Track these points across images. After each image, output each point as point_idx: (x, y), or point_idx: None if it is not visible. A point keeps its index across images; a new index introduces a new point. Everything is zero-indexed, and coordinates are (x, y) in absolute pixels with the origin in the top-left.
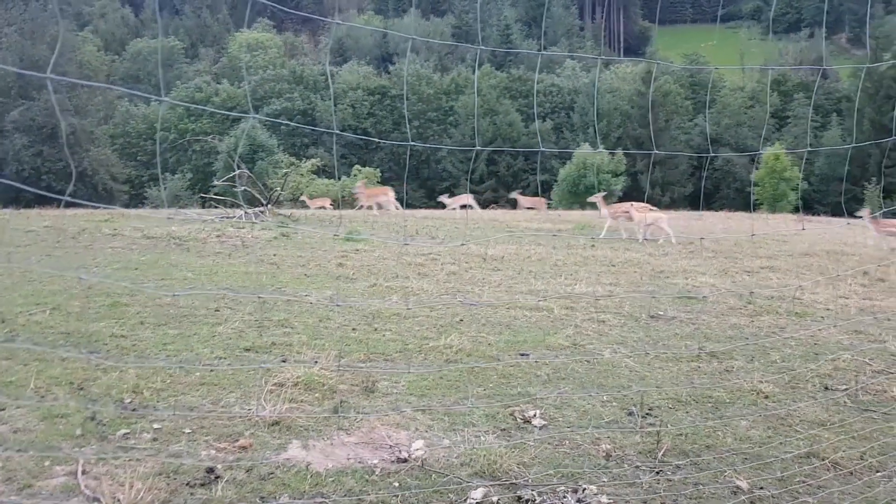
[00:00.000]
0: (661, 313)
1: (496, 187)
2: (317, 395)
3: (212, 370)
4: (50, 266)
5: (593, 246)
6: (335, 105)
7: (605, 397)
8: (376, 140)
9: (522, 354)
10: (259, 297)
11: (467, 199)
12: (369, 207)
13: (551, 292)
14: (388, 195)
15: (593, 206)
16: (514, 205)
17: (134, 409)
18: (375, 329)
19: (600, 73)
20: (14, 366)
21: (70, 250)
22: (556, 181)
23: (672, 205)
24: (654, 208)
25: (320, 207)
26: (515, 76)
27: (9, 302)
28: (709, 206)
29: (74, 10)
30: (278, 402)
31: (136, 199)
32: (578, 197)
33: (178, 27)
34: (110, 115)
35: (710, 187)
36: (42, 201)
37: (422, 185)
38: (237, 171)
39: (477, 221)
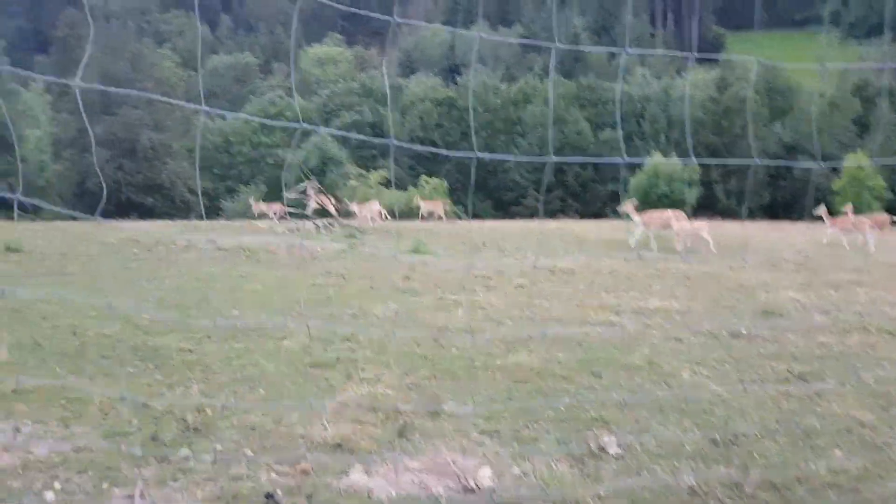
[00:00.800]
0: (743, 331)
1: (564, 197)
2: (380, 415)
3: (275, 387)
4: (125, 277)
5: (667, 259)
6: (403, 116)
7: (685, 423)
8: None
9: (595, 375)
10: (325, 313)
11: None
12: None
13: (624, 307)
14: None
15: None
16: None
17: (196, 429)
18: (441, 346)
19: (672, 80)
20: (80, 380)
21: (145, 262)
22: (626, 191)
23: (749, 214)
24: (685, 217)
25: (371, 218)
26: (585, 84)
27: (82, 315)
28: (787, 216)
29: (153, 28)
30: (341, 423)
31: (212, 211)
32: (649, 207)
33: (253, 43)
34: (188, 130)
35: (788, 197)
36: (123, 213)
37: (489, 196)
38: (306, 183)
39: (543, 233)
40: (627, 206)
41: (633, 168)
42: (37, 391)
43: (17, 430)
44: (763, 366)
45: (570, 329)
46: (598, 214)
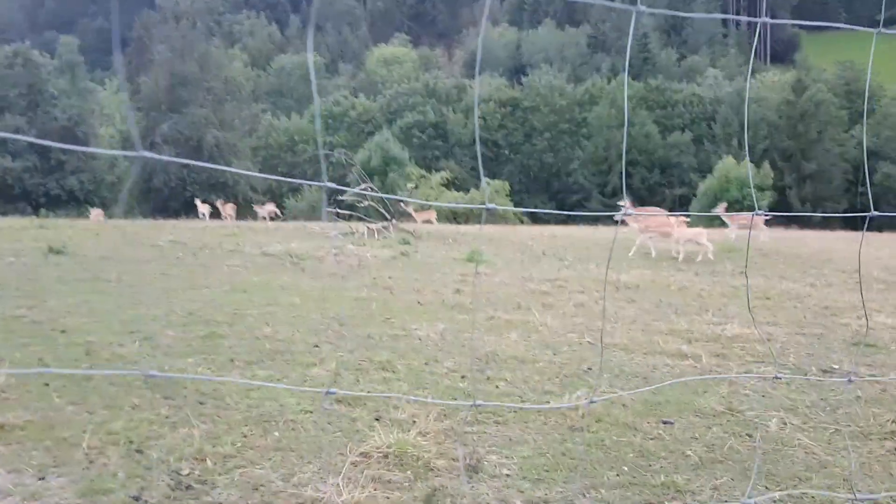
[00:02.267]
0: (835, 366)
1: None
2: (408, 472)
3: (293, 429)
4: (161, 286)
5: (742, 272)
6: (465, 117)
7: (776, 493)
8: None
9: (665, 422)
10: (363, 334)
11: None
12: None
13: (697, 333)
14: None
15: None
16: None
17: (188, 487)
18: (488, 378)
19: (745, 82)
20: (77, 413)
21: (186, 268)
22: (694, 195)
23: (824, 223)
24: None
25: (426, 221)
26: (653, 86)
27: (105, 328)
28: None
29: (224, 29)
30: (360, 483)
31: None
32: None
33: (320, 43)
34: (254, 129)
35: (868, 204)
36: (188, 210)
37: (552, 198)
38: (362, 186)
39: (606, 241)
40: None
41: (703, 172)
42: (25, 427)
43: None
44: (864, 415)
45: (636, 360)
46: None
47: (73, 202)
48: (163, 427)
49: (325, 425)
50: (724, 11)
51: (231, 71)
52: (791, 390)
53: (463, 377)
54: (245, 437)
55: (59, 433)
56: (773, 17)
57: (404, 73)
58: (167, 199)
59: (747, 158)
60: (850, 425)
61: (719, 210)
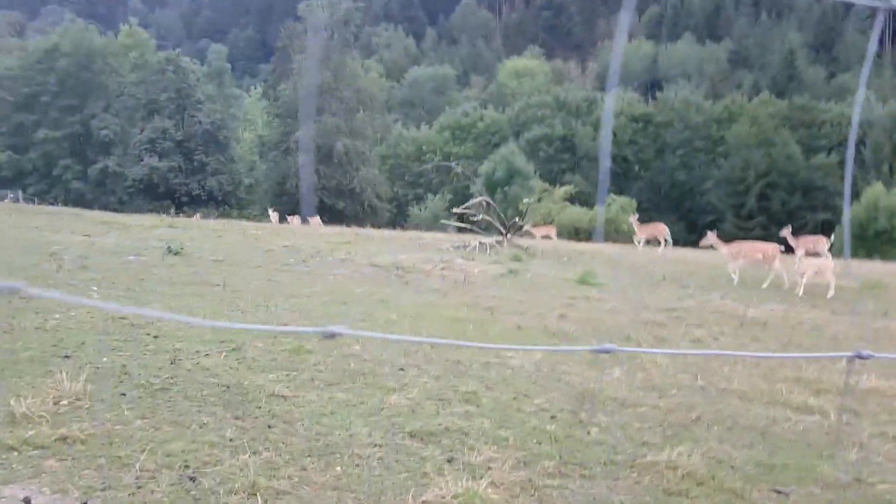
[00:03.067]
0: None
1: (767, 225)
2: None
3: (357, 464)
4: (265, 292)
5: (885, 314)
6: (595, 131)
7: None
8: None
9: (779, 492)
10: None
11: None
12: (642, 242)
13: (828, 384)
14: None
15: (887, 255)
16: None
17: None
18: (580, 421)
19: None
20: (142, 429)
21: (293, 275)
22: (839, 223)
23: None
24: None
25: (545, 237)
26: (797, 104)
27: (197, 336)
28: None
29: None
30: None
31: (400, 217)
32: (866, 243)
33: (454, 56)
34: (384, 138)
35: None
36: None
37: (682, 218)
38: (477, 199)
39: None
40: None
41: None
42: (87, 440)
43: (27, 502)
44: None
45: (752, 412)
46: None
47: (212, 202)
48: (223, 451)
49: (392, 463)
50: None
51: (365, 81)
52: None
53: (553, 417)
54: (304, 470)
55: (115, 451)
56: None
57: (536, 85)
58: (298, 202)
59: None
60: None
61: (785, 233)
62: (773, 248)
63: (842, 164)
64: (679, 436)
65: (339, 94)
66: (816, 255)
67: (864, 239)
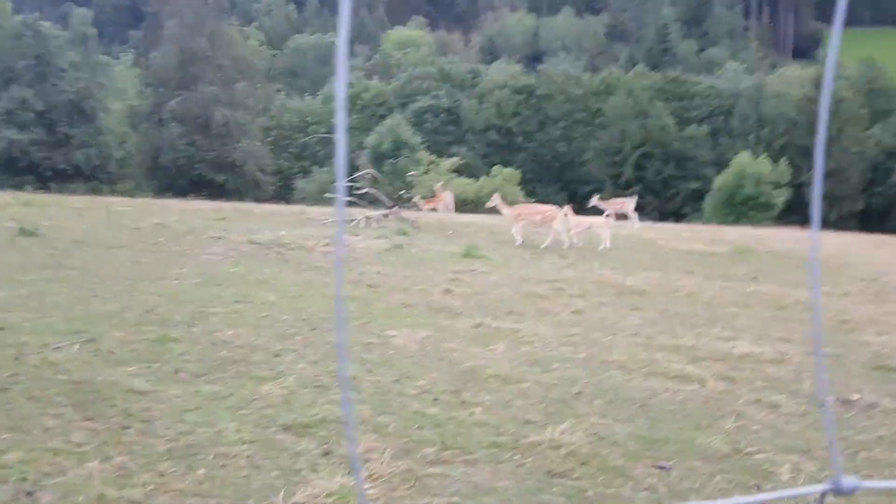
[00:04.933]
0: (857, 395)
1: (642, 194)
2: None
3: (224, 465)
4: (128, 276)
5: (755, 278)
6: (480, 103)
7: None
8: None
9: (660, 467)
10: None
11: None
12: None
13: (703, 351)
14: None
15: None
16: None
17: None
18: (463, 402)
19: (764, 76)
20: None
21: (161, 256)
22: (709, 190)
23: (840, 222)
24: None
25: (432, 209)
26: (670, 77)
27: (48, 327)
28: (882, 226)
29: (240, 7)
30: None
31: (285, 191)
32: (734, 209)
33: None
34: (266, 108)
35: (885, 205)
36: (195, 189)
37: (564, 188)
38: (362, 171)
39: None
40: (495, 198)
41: (719, 167)
42: None
43: None
44: (892, 460)
45: (632, 384)
46: (678, 214)
47: (79, 177)
48: (69, 459)
49: (262, 461)
50: (746, 5)
51: (244, 49)
52: (806, 425)
53: (435, 399)
54: (162, 475)
55: None
56: (794, 12)
57: (420, 56)
58: (174, 176)
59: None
60: (876, 471)
61: (594, 201)
62: (552, 210)
63: (711, 134)
64: (561, 412)
65: (216, 61)
66: (624, 215)
67: (732, 205)
